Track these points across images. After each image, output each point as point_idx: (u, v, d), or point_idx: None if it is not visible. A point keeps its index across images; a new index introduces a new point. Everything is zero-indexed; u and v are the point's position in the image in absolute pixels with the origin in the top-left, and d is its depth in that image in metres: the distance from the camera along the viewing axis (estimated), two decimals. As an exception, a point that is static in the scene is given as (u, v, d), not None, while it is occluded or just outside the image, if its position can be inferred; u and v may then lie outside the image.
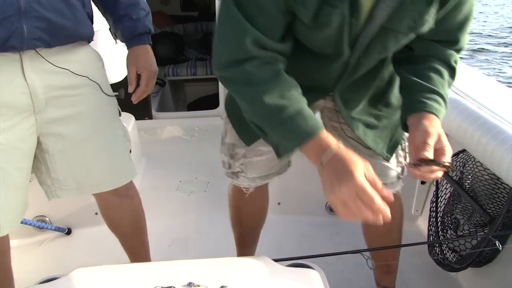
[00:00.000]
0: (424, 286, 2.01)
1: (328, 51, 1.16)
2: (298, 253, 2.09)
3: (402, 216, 1.67)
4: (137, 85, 1.57)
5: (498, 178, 1.69)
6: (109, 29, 1.74)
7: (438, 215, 2.02)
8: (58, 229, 2.26)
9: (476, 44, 11.79)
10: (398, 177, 1.50)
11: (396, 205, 1.61)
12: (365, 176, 0.93)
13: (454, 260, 1.87)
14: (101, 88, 1.46)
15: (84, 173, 1.48)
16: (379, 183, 0.94)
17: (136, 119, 2.86)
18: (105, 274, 1.17)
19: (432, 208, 2.05)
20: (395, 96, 1.38)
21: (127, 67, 1.57)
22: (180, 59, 4.66)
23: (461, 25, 1.16)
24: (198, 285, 1.18)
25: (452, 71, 1.20)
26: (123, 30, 1.53)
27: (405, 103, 1.20)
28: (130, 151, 1.64)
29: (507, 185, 1.63)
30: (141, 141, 3.01)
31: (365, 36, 1.11)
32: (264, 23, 1.04)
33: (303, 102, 1.07)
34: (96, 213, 1.83)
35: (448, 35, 1.18)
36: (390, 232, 1.66)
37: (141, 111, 3.42)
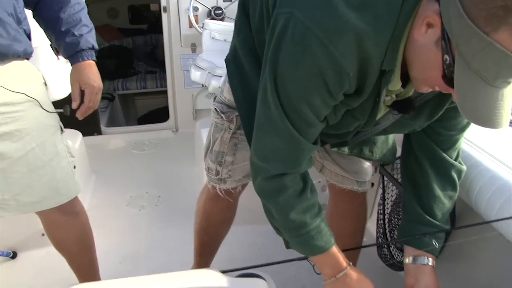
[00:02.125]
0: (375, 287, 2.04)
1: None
2: (250, 263, 2.09)
3: (365, 221, 1.72)
4: (82, 101, 1.54)
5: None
6: (50, 45, 1.71)
7: (385, 217, 2.06)
8: (2, 253, 2.18)
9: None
10: (372, 175, 1.60)
11: (363, 207, 1.67)
12: None
13: (402, 259, 1.92)
14: (40, 105, 1.43)
15: (24, 191, 1.44)
16: None
17: (84, 135, 2.80)
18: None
19: (379, 211, 2.09)
20: None
21: (71, 84, 1.55)
22: (130, 72, 4.61)
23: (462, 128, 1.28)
24: (146, 302, 1.17)
25: (454, 185, 1.33)
26: (65, 46, 1.51)
27: (405, 226, 1.38)
28: (75, 167, 1.60)
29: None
30: (89, 158, 2.94)
31: (366, 134, 1.27)
32: (311, 136, 1.09)
33: (321, 219, 1.18)
34: (43, 234, 1.78)
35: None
36: (354, 235, 1.70)
37: (89, 127, 3.36)
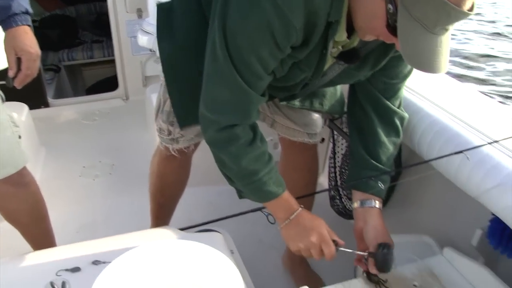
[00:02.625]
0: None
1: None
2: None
3: (317, 174, 1.77)
4: (19, 69, 1.49)
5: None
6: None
7: (337, 170, 2.13)
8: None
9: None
10: (322, 127, 1.65)
11: (315, 159, 1.72)
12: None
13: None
14: None
15: None
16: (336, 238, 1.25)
17: (31, 108, 2.72)
18: (4, 267, 1.13)
19: (330, 164, 2.16)
20: None
21: (5, 51, 1.47)
22: (75, 42, 4.44)
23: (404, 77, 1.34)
24: (105, 262, 1.18)
25: (397, 131, 1.40)
26: None
27: (353, 172, 1.43)
28: (20, 137, 1.57)
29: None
30: (38, 131, 2.86)
31: (314, 85, 1.30)
32: (258, 89, 1.12)
33: (272, 166, 1.22)
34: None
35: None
36: (307, 187, 1.74)
37: (36, 100, 3.25)
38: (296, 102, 1.51)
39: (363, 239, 1.35)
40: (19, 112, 2.53)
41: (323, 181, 2.45)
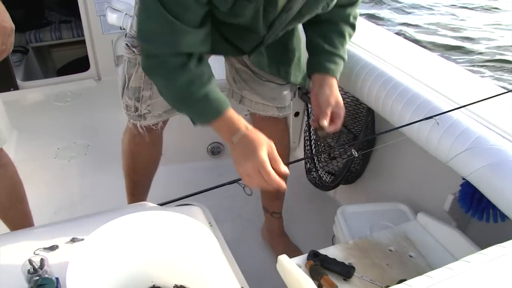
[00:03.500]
0: (307, 208, 2.17)
1: (246, 29, 1.25)
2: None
3: (290, 146, 1.78)
4: None
5: (358, 99, 1.84)
6: None
7: (312, 142, 2.16)
8: None
9: None
10: (291, 100, 1.67)
11: (286, 133, 1.73)
12: (269, 154, 1.13)
13: (330, 180, 2.04)
14: None
15: None
16: (280, 161, 1.15)
17: None
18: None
19: (305, 137, 2.19)
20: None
21: None
22: (42, 23, 4.32)
23: None
24: (82, 239, 1.18)
25: (352, 26, 1.43)
26: None
27: (310, 62, 1.43)
28: None
29: (365, 104, 1.78)
30: (8, 114, 2.79)
31: (281, 22, 1.24)
32: (188, 19, 1.11)
33: (211, 87, 1.18)
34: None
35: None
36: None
37: (4, 82, 3.17)
38: (265, 65, 1.50)
39: (318, 103, 1.36)
40: None
41: (299, 154, 2.48)
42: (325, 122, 1.30)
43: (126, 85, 1.52)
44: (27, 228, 1.61)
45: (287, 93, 1.62)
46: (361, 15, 1.50)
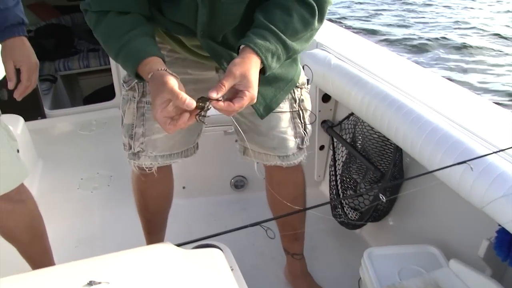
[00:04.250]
0: (331, 247, 2.09)
1: None
2: (206, 234, 2.10)
3: (305, 184, 1.71)
4: (18, 80, 1.45)
5: (384, 136, 1.79)
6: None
7: (337, 177, 2.10)
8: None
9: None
10: (299, 148, 1.54)
11: (298, 174, 1.65)
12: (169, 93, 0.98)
13: (356, 218, 1.97)
14: None
15: None
16: (179, 96, 0.96)
17: (27, 120, 2.69)
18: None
19: (331, 172, 2.13)
20: None
21: (3, 63, 1.44)
22: (71, 52, 4.42)
23: None
24: (100, 282, 1.15)
25: (310, 8, 1.14)
26: None
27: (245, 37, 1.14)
28: (18, 151, 1.53)
29: (392, 141, 1.72)
30: (35, 143, 2.83)
31: None
32: None
33: (126, 37, 1.10)
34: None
35: None
36: (295, 200, 1.70)
37: (32, 111, 3.22)
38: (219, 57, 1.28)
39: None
40: (14, 124, 2.51)
41: (324, 189, 2.42)
42: (214, 94, 0.99)
43: (122, 122, 1.50)
44: (45, 268, 1.59)
45: (290, 142, 1.52)
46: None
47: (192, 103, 0.96)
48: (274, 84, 1.38)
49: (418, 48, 8.57)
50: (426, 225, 1.75)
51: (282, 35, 1.10)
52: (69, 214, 2.38)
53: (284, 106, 1.47)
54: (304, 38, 1.18)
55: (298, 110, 1.50)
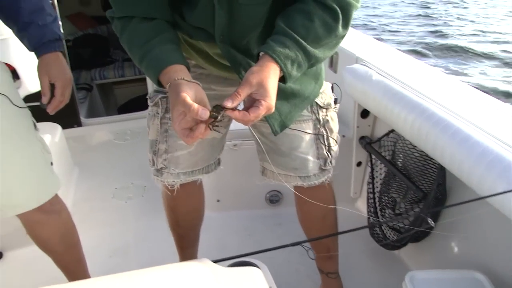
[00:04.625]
0: (368, 267, 2.04)
1: None
2: (241, 249, 2.07)
3: (335, 201, 1.67)
4: (52, 95, 1.47)
5: (427, 155, 1.73)
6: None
7: (375, 195, 2.05)
8: (-13, 254, 2.12)
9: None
10: (321, 169, 1.49)
11: (328, 191, 1.61)
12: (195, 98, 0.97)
13: (395, 238, 1.91)
14: (10, 101, 1.36)
15: (1, 195, 1.38)
16: (192, 108, 0.93)
17: (64, 128, 2.72)
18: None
19: (369, 190, 2.08)
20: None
21: (39, 77, 1.46)
22: (106, 61, 4.50)
23: None
24: (133, 301, 1.13)
25: (333, 12, 1.09)
26: (30, 38, 1.42)
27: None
28: (52, 164, 1.55)
29: (436, 161, 1.67)
30: (71, 150, 2.87)
31: None
32: None
33: (149, 45, 1.08)
34: (28, 233, 1.73)
35: None
36: (325, 218, 1.67)
37: (69, 119, 3.28)
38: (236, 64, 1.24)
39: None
40: (53, 132, 2.54)
41: (360, 206, 2.37)
42: (229, 103, 0.96)
43: (148, 138, 1.50)
44: (78, 282, 1.59)
45: (311, 162, 1.47)
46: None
47: (205, 112, 0.94)
48: (290, 100, 1.34)
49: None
50: (471, 249, 1.68)
51: (302, 41, 1.06)
52: (104, 224, 2.39)
53: (307, 126, 1.43)
54: (327, 46, 1.13)
55: (322, 131, 1.45)
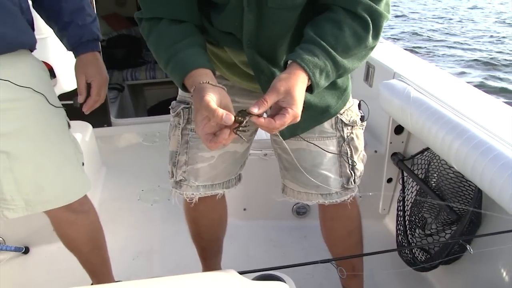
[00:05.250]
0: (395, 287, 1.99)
1: None
2: (266, 260, 2.06)
3: (360, 219, 1.64)
4: (88, 94, 1.48)
5: (463, 176, 1.69)
6: (58, 34, 1.65)
7: (406, 214, 2.01)
8: (14, 249, 2.15)
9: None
10: (344, 187, 1.45)
11: (353, 208, 1.57)
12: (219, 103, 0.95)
13: (424, 259, 1.86)
14: (47, 100, 1.37)
15: (33, 190, 1.39)
16: (216, 113, 0.92)
17: (94, 127, 2.75)
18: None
19: (399, 207, 2.04)
20: None
21: (76, 77, 1.47)
22: (138, 62, 4.55)
23: None
24: (163, 306, 1.12)
25: (363, 22, 1.07)
26: (69, 37, 1.44)
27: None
28: (83, 164, 1.55)
29: (472, 183, 1.62)
30: (100, 150, 2.90)
31: None
32: None
33: (176, 47, 1.08)
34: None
35: None
36: (351, 235, 1.64)
37: (99, 118, 3.31)
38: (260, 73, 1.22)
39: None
40: (83, 131, 2.56)
41: (389, 223, 2.33)
42: (255, 109, 0.94)
43: (169, 149, 1.49)
44: (104, 285, 1.59)
45: (333, 179, 1.43)
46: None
47: (230, 117, 0.92)
48: (306, 110, 1.30)
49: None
50: (503, 278, 1.63)
51: (332, 50, 1.04)
52: (129, 225, 2.40)
53: (331, 143, 1.40)
54: (357, 56, 1.10)
55: (346, 149, 1.41)
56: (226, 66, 1.32)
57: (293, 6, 1.12)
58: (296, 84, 0.99)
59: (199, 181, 1.45)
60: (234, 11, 1.13)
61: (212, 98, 0.93)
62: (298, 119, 1.00)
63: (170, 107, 1.47)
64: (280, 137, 1.27)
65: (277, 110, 0.99)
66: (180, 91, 1.44)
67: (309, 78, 1.02)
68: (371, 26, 1.07)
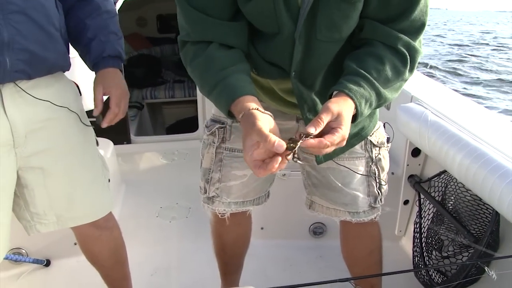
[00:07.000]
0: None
1: (270, 27, 1.16)
2: (283, 279, 2.08)
3: (381, 239, 1.66)
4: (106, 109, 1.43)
5: (481, 199, 1.70)
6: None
7: (422, 235, 2.02)
8: (36, 261, 2.19)
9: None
10: (371, 206, 1.48)
11: (374, 229, 1.60)
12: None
13: (441, 281, 1.87)
14: (80, 119, 1.43)
15: (65, 206, 1.44)
16: (268, 139, 0.91)
17: (114, 144, 2.81)
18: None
19: (416, 229, 2.05)
20: None
21: (94, 89, 1.42)
22: (158, 81, 4.64)
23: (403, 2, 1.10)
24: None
25: (402, 57, 1.13)
26: (91, 53, 1.42)
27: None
28: (109, 180, 1.60)
29: (489, 206, 1.64)
30: (120, 167, 2.95)
31: (304, 8, 1.08)
32: (215, 9, 1.12)
33: (224, 72, 1.09)
34: (75, 243, 1.78)
35: (389, 11, 1.11)
36: (372, 255, 1.65)
37: (120, 136, 3.38)
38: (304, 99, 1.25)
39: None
40: (105, 148, 2.62)
41: (405, 245, 2.33)
42: (312, 129, 0.95)
43: (200, 166, 1.52)
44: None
45: (361, 198, 1.46)
46: None
47: (281, 145, 0.91)
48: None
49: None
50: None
51: (375, 82, 1.09)
52: (147, 242, 2.44)
53: (360, 163, 1.44)
54: (394, 87, 1.15)
55: (374, 169, 1.45)
56: (263, 90, 1.36)
57: (339, 40, 1.17)
58: (346, 109, 1.02)
59: (231, 198, 1.49)
60: (285, 42, 1.16)
61: (264, 125, 0.95)
62: (345, 142, 1.01)
63: (205, 125, 1.50)
64: (315, 161, 1.31)
65: (321, 132, 1.00)
66: (214, 110, 1.47)
67: (356, 107, 1.06)
68: (408, 61, 1.14)
